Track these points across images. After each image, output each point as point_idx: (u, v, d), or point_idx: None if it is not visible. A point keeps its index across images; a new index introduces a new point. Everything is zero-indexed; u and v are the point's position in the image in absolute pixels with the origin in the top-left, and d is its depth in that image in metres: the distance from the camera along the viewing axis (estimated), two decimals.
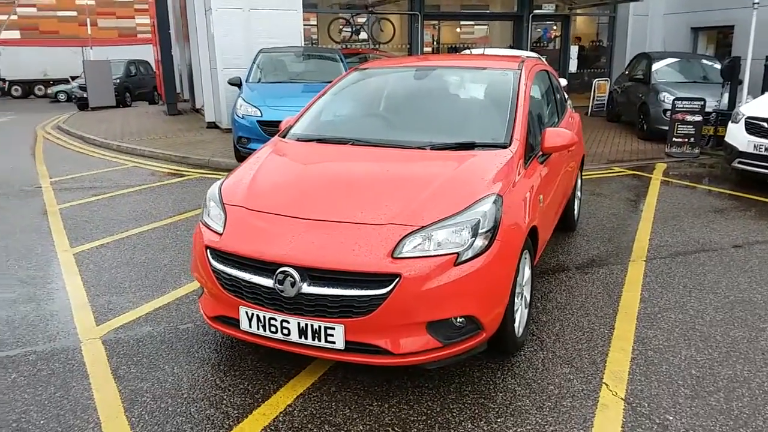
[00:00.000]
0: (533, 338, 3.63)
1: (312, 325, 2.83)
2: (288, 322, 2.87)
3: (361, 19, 15.97)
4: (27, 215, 6.36)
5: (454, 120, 3.97)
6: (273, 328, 2.92)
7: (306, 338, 2.86)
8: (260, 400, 2.98)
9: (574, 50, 15.73)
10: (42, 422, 2.79)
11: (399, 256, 2.81)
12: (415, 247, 2.85)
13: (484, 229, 2.95)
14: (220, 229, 3.16)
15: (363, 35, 17.24)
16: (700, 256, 5.12)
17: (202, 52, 12.79)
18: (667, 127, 10.15)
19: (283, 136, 4.07)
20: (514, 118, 3.74)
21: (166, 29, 15.23)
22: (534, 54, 11.22)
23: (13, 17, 44.69)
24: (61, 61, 32.90)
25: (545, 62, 5.25)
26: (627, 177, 8.46)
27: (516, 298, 3.32)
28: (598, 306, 4.10)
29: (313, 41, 17.08)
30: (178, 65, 18.95)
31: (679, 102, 9.94)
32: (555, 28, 17.86)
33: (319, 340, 2.85)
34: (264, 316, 2.92)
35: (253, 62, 9.64)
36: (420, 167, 3.42)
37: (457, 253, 2.85)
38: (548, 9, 16.00)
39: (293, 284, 2.80)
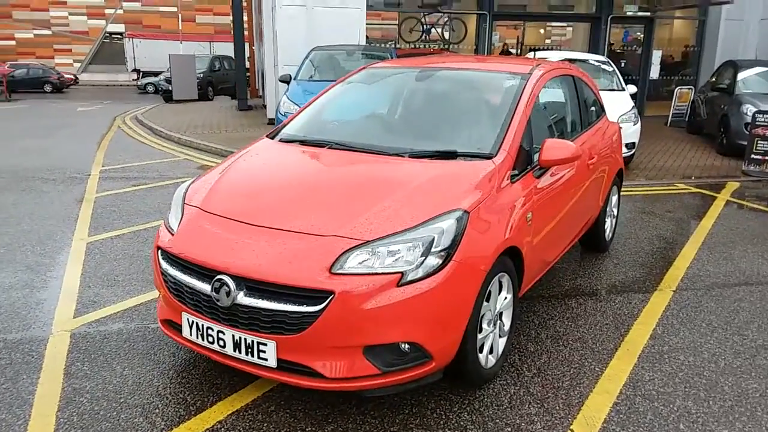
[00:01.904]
0: (511, 370, 3.30)
1: (245, 339, 2.68)
2: (224, 333, 2.73)
3: (434, 19, 15.66)
4: (64, 202, 6.62)
5: (444, 126, 3.68)
6: (210, 338, 2.79)
7: (240, 352, 2.71)
8: (193, 413, 2.86)
9: (657, 55, 14.69)
10: None
11: (338, 271, 2.59)
12: (361, 262, 2.62)
13: (439, 248, 2.68)
14: (175, 230, 3.08)
15: (437, 35, 16.95)
16: (740, 290, 4.54)
17: (268, 49, 13.00)
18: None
19: (273, 136, 3.93)
20: (507, 127, 3.41)
21: (240, 27, 15.64)
22: (601, 58, 10.57)
23: (119, 11, 47.72)
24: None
25: (575, 67, 4.81)
26: (690, 195, 7.75)
27: (485, 325, 3.02)
28: (599, 339, 3.69)
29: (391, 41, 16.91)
30: (258, 63, 19.44)
31: (761, 115, 9.02)
32: (639, 33, 16.81)
33: (252, 356, 2.69)
34: (202, 325, 2.80)
35: (304, 59, 9.64)
36: (389, 176, 3.16)
37: (402, 273, 2.60)
38: (630, 11, 15.05)
39: (228, 293, 2.65)
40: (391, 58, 9.54)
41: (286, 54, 11.77)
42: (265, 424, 2.78)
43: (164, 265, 2.99)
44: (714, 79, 12.27)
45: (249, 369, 2.74)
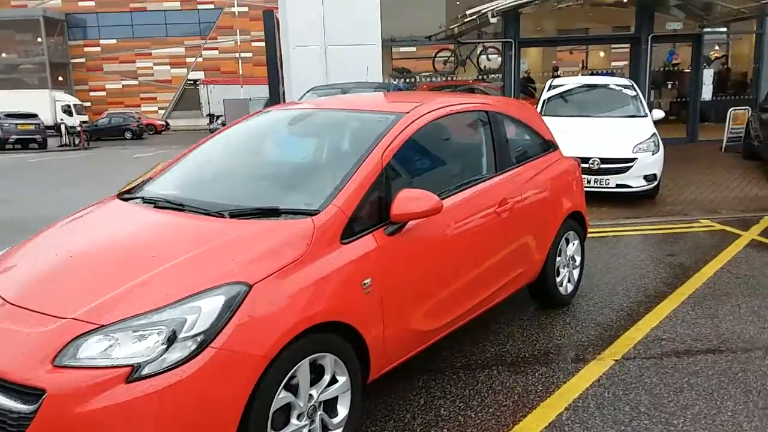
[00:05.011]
0: None
1: None
2: None
3: (466, 50, 15.22)
4: None
5: (289, 179, 3.23)
6: None
7: None
8: None
9: (708, 74, 13.45)
10: None
11: (66, 363, 2.20)
12: (100, 351, 2.22)
13: (192, 333, 2.23)
14: None
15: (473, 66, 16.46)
16: (702, 359, 3.71)
17: (288, 89, 13.02)
18: None
19: (122, 194, 3.55)
20: (349, 177, 2.92)
21: (274, 68, 15.86)
22: (625, 81, 9.70)
23: (200, 60, 50.49)
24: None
25: (502, 100, 4.24)
26: (708, 234, 6.77)
27: (294, 420, 2.54)
28: (481, 428, 3.04)
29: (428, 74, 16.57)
30: None
31: None
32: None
33: None
34: None
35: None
36: (182, 239, 2.74)
37: (133, 366, 2.16)
38: (674, 26, 13.91)
39: None
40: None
41: (300, 93, 11.69)
42: None
43: None
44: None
45: None
